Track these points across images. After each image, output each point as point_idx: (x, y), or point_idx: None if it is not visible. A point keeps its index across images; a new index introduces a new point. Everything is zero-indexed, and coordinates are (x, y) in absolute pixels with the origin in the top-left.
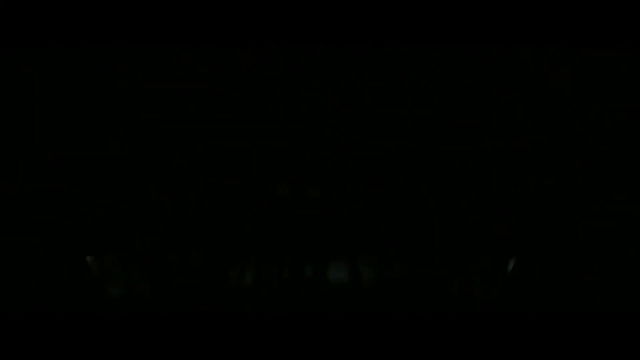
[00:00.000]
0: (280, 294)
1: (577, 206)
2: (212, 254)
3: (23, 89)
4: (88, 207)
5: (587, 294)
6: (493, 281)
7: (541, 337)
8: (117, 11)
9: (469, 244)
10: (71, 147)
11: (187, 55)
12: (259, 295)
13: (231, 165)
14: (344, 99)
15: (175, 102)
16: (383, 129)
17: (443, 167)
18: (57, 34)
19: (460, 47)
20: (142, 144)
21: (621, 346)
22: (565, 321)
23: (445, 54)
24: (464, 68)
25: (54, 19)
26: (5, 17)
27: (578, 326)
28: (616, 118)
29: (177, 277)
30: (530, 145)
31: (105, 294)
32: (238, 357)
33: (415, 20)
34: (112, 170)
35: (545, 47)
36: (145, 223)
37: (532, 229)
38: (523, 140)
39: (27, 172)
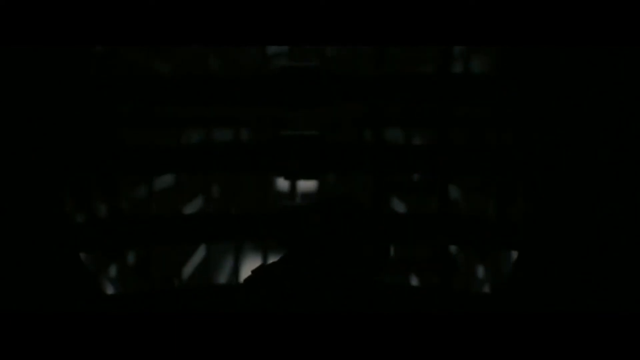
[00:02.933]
0: (284, 294)
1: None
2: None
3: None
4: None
5: (588, 294)
6: (493, 281)
7: (541, 338)
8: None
9: (469, 242)
10: (68, 147)
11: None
12: (260, 295)
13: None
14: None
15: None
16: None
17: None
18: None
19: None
20: (140, 143)
21: (623, 348)
22: (565, 322)
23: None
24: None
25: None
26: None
27: (579, 328)
28: (617, 118)
29: (174, 277)
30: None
31: (102, 295)
32: (237, 357)
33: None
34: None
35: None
36: (143, 222)
37: (534, 228)
38: (523, 138)
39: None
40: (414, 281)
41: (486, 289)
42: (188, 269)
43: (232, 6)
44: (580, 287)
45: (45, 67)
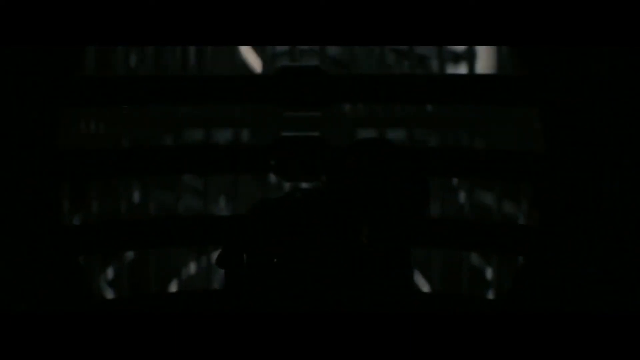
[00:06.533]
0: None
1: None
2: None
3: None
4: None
5: (590, 295)
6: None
7: (544, 338)
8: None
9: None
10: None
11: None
12: (260, 296)
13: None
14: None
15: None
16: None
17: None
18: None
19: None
20: (139, 143)
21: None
22: (566, 323)
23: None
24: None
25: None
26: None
27: (579, 328)
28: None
29: (174, 277)
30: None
31: (101, 295)
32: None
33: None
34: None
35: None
36: (142, 221)
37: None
38: (526, 139)
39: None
40: (421, 282)
41: (491, 291)
42: (187, 270)
43: (233, 6)
44: (581, 288)
45: (44, 67)
